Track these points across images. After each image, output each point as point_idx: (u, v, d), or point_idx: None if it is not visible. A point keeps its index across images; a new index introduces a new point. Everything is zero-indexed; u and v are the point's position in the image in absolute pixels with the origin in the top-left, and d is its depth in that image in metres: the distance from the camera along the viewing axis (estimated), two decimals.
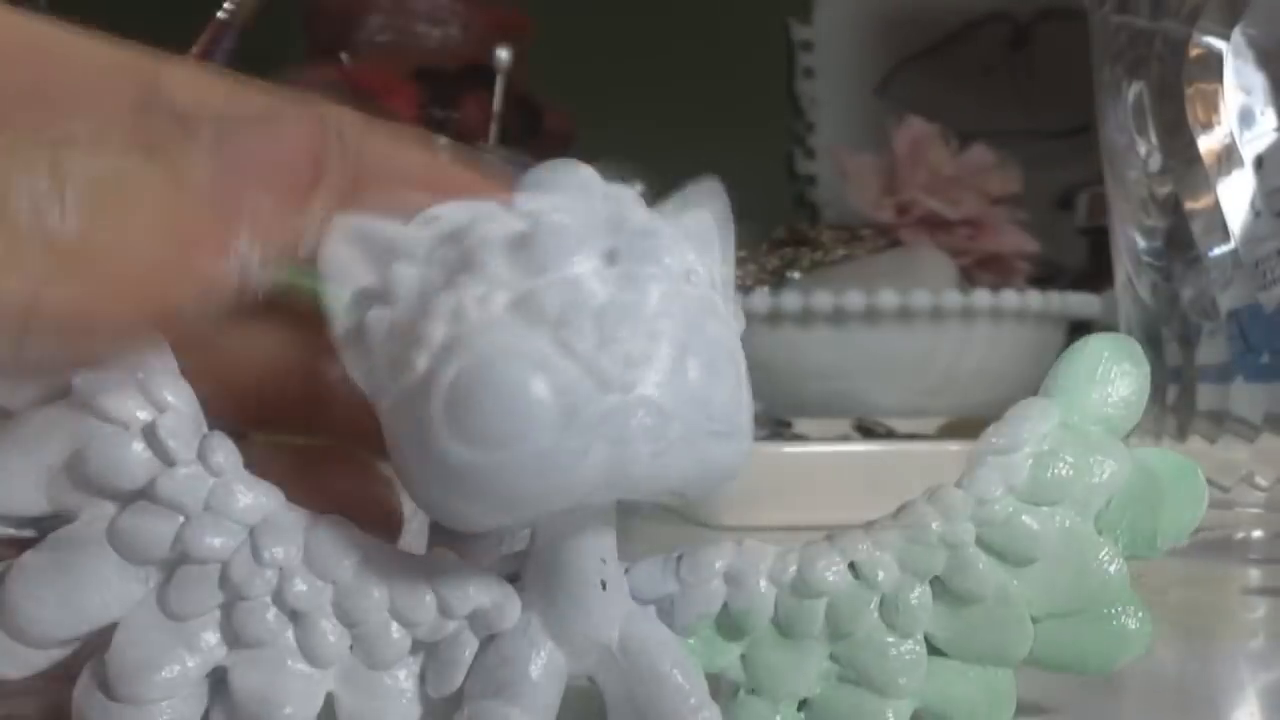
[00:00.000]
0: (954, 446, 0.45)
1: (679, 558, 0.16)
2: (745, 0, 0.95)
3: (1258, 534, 0.35)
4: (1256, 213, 0.34)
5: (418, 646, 0.15)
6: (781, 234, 0.72)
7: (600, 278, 0.14)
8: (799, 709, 0.17)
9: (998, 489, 0.17)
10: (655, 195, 0.16)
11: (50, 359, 0.15)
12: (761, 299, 0.59)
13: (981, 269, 0.73)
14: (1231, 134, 0.34)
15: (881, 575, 0.16)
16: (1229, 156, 0.34)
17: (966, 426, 0.52)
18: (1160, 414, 0.37)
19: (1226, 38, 0.34)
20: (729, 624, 0.16)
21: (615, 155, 0.19)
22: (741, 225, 0.16)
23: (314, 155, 0.16)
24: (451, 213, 0.15)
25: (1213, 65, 0.34)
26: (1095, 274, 0.69)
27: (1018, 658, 0.17)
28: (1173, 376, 0.36)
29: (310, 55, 0.73)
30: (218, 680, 0.15)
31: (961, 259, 0.72)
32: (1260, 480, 0.35)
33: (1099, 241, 0.58)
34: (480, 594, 0.15)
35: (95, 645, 0.15)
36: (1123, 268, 0.38)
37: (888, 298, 0.60)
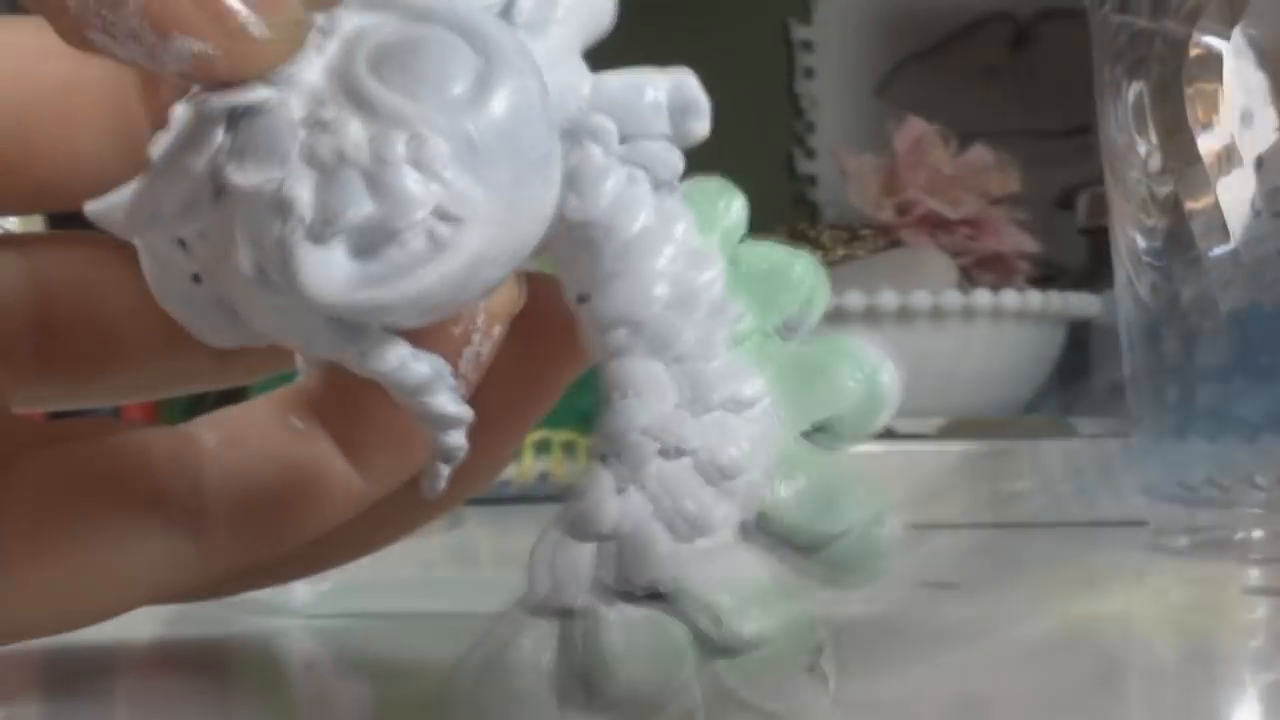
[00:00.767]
0: (954, 446, 0.45)
1: None
2: (745, 0, 0.95)
3: (1258, 534, 0.35)
4: (1256, 213, 0.34)
5: None
6: (781, 234, 0.72)
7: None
8: None
9: None
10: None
11: None
12: None
13: (981, 269, 0.73)
14: (1231, 134, 0.34)
15: None
16: (1229, 156, 0.34)
17: (966, 426, 0.52)
18: (1160, 414, 0.37)
19: (1226, 38, 0.34)
20: None
21: None
22: None
23: None
24: None
25: (1213, 65, 0.34)
26: (1095, 274, 0.69)
27: None
28: (1173, 376, 0.36)
29: None
30: None
31: (961, 259, 0.72)
32: (1260, 480, 0.35)
33: (1099, 241, 0.58)
34: None
35: None
36: (1123, 268, 0.38)
37: (888, 298, 0.60)
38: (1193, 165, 0.35)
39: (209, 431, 0.18)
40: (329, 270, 0.13)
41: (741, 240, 0.16)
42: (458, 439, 0.15)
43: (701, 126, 0.16)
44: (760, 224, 0.16)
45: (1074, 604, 0.30)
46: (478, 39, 0.14)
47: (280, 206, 0.13)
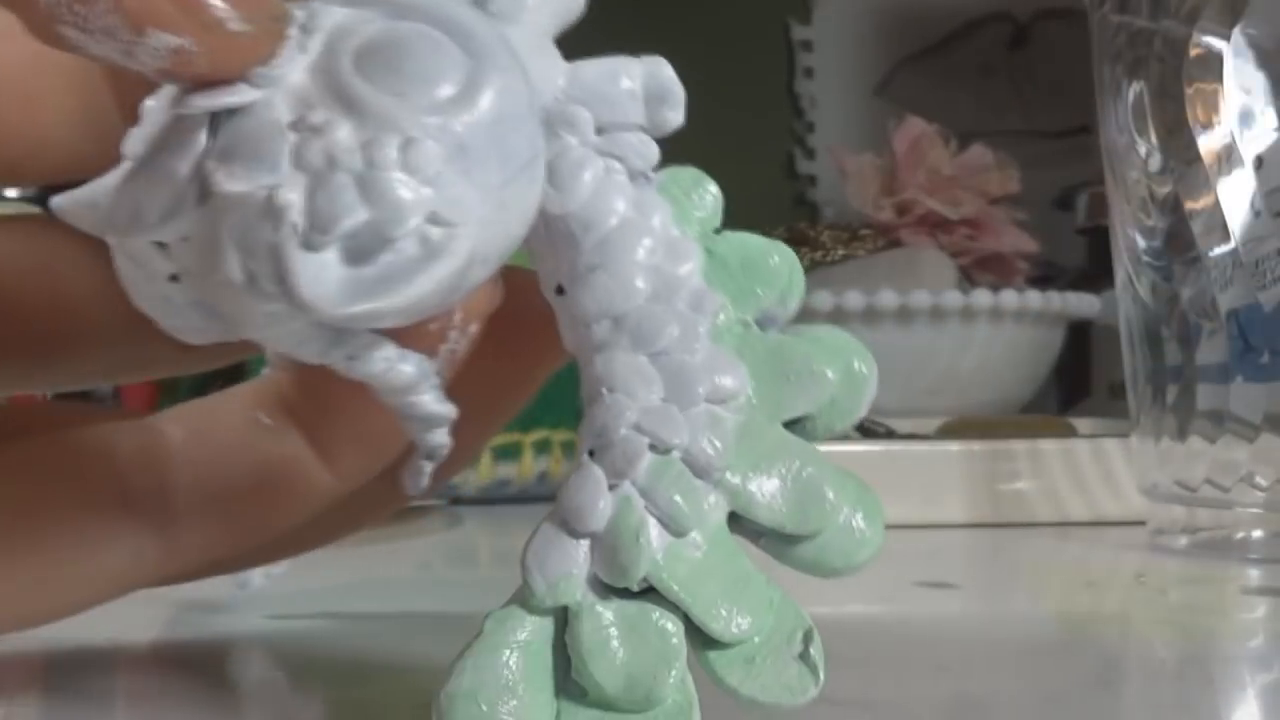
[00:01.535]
0: (954, 446, 0.45)
1: None
2: (745, 0, 0.95)
3: (1258, 534, 0.35)
4: (1256, 213, 0.34)
5: None
6: (782, 234, 0.72)
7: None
8: None
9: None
10: None
11: None
12: None
13: (981, 269, 0.73)
14: (1231, 134, 0.34)
15: None
16: (1229, 156, 0.34)
17: (966, 426, 0.52)
18: (1160, 414, 0.37)
19: (1226, 38, 0.34)
20: None
21: None
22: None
23: None
24: None
25: (1213, 65, 0.34)
26: (1095, 274, 0.69)
27: None
28: (1173, 376, 0.36)
29: None
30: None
31: (961, 259, 0.72)
32: (1260, 480, 0.35)
33: (1099, 241, 0.58)
34: None
35: None
36: (1123, 268, 0.38)
37: (887, 298, 0.60)
38: (1193, 165, 0.35)
39: (177, 426, 0.18)
40: (324, 277, 0.13)
41: (717, 231, 0.16)
42: (441, 437, 0.15)
43: (676, 115, 0.16)
44: (760, 224, 0.16)
45: (1074, 604, 0.30)
46: (463, 36, 0.14)
47: (272, 213, 0.13)
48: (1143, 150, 0.36)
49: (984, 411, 0.61)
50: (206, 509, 0.18)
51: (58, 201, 0.16)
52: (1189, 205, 0.35)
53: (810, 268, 0.68)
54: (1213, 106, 0.34)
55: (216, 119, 0.13)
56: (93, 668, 0.22)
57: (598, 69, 0.15)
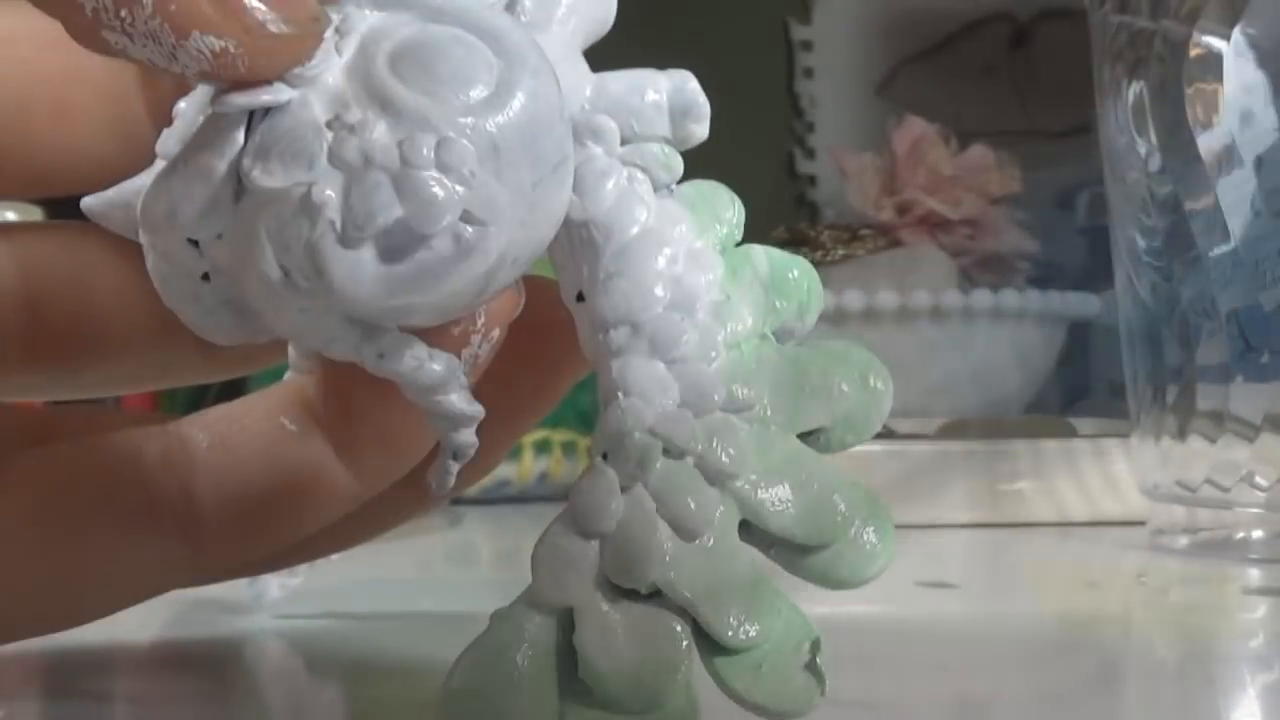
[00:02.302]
0: (954, 446, 0.45)
1: None
2: (745, 0, 0.95)
3: (1258, 534, 0.35)
4: (1256, 213, 0.34)
5: None
6: (781, 234, 0.72)
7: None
8: None
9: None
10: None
11: None
12: None
13: (981, 269, 0.73)
14: (1231, 134, 0.34)
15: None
16: (1229, 156, 0.34)
17: (966, 426, 0.52)
18: (1160, 414, 0.37)
19: (1226, 38, 0.34)
20: None
21: None
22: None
23: None
24: None
25: (1213, 65, 0.34)
26: (1095, 274, 0.69)
27: None
28: (1173, 376, 0.36)
29: None
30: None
31: (961, 259, 0.72)
32: (1260, 480, 0.35)
33: (1099, 241, 0.58)
34: None
35: None
36: (1123, 268, 0.38)
37: (887, 298, 0.60)
38: (1193, 165, 0.35)
39: (201, 431, 0.18)
40: (360, 273, 0.13)
41: (739, 243, 0.16)
42: (469, 436, 0.15)
43: (701, 129, 0.16)
44: (760, 224, 0.16)
45: (1074, 604, 0.30)
46: (494, 39, 0.14)
47: (309, 210, 0.13)
48: (1143, 150, 0.36)
49: (984, 411, 0.61)
50: (231, 514, 0.18)
51: (87, 202, 0.16)
52: (1189, 205, 0.35)
53: None
54: (1213, 106, 0.34)
55: (253, 119, 0.14)
56: (93, 668, 0.22)
57: (624, 81, 0.16)
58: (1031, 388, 0.66)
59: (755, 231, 0.16)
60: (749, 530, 0.15)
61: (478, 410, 0.15)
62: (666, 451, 0.15)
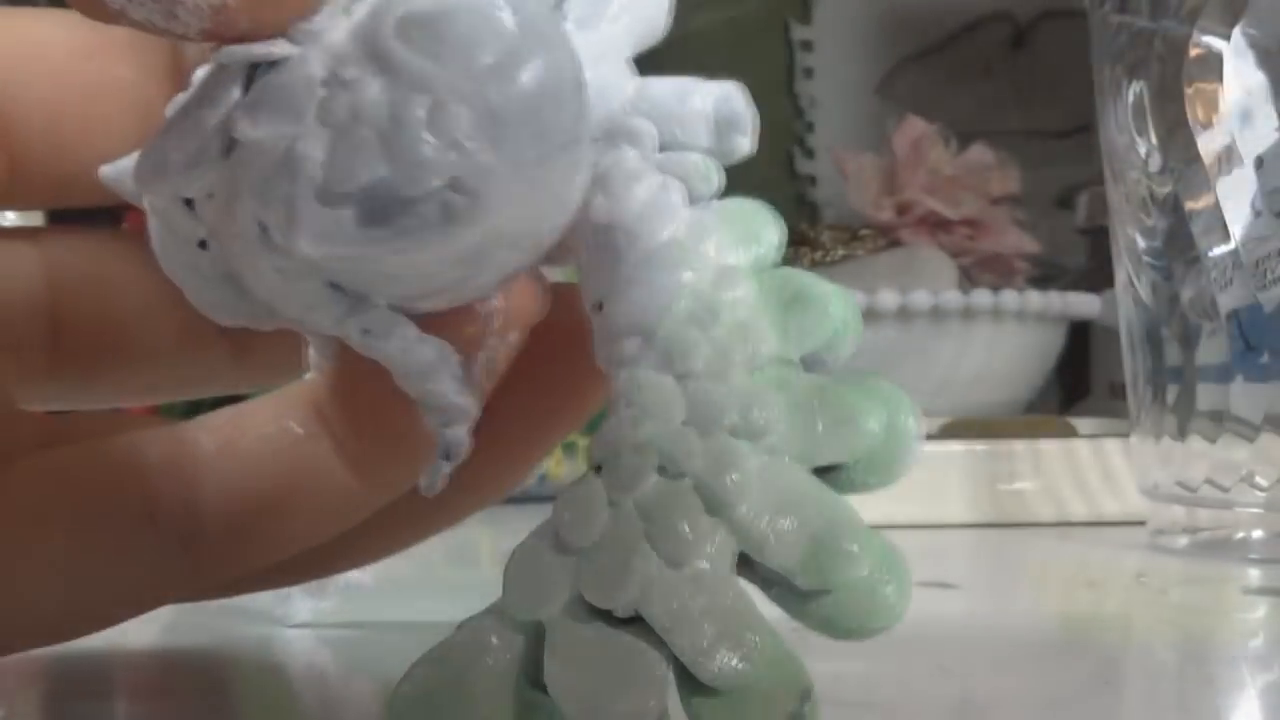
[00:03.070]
0: (955, 446, 0.45)
1: None
2: (745, 0, 0.95)
3: (1258, 534, 0.35)
4: (1256, 213, 0.34)
5: None
6: None
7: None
8: None
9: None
10: None
11: None
12: None
13: (981, 269, 0.73)
14: (1231, 134, 0.34)
15: None
16: (1229, 156, 0.34)
17: (966, 426, 0.52)
18: (1160, 414, 0.37)
19: (1226, 38, 0.34)
20: None
21: None
22: None
23: None
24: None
25: (1213, 65, 0.34)
26: (1095, 274, 0.69)
27: None
28: (1173, 376, 0.36)
29: None
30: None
31: (961, 259, 0.72)
32: (1260, 480, 0.35)
33: (1099, 241, 0.58)
34: None
35: None
36: (1123, 268, 0.38)
37: (888, 298, 0.60)
38: (1193, 165, 0.35)
39: (205, 435, 0.18)
40: (335, 232, 0.13)
41: (775, 265, 0.15)
42: (459, 434, 0.15)
43: (745, 143, 0.15)
44: None
45: (1074, 604, 0.30)
46: (513, 12, 0.13)
47: (290, 163, 0.13)
48: (1143, 150, 0.36)
49: (984, 411, 0.61)
50: (236, 522, 0.17)
51: (105, 169, 0.16)
52: (1189, 205, 0.35)
53: (810, 268, 0.68)
54: (1213, 106, 0.34)
55: (253, 76, 0.13)
56: (93, 668, 0.22)
57: (669, 86, 0.15)
58: (1031, 388, 0.66)
59: None
60: (749, 566, 0.14)
61: (470, 404, 0.15)
62: (663, 469, 0.14)
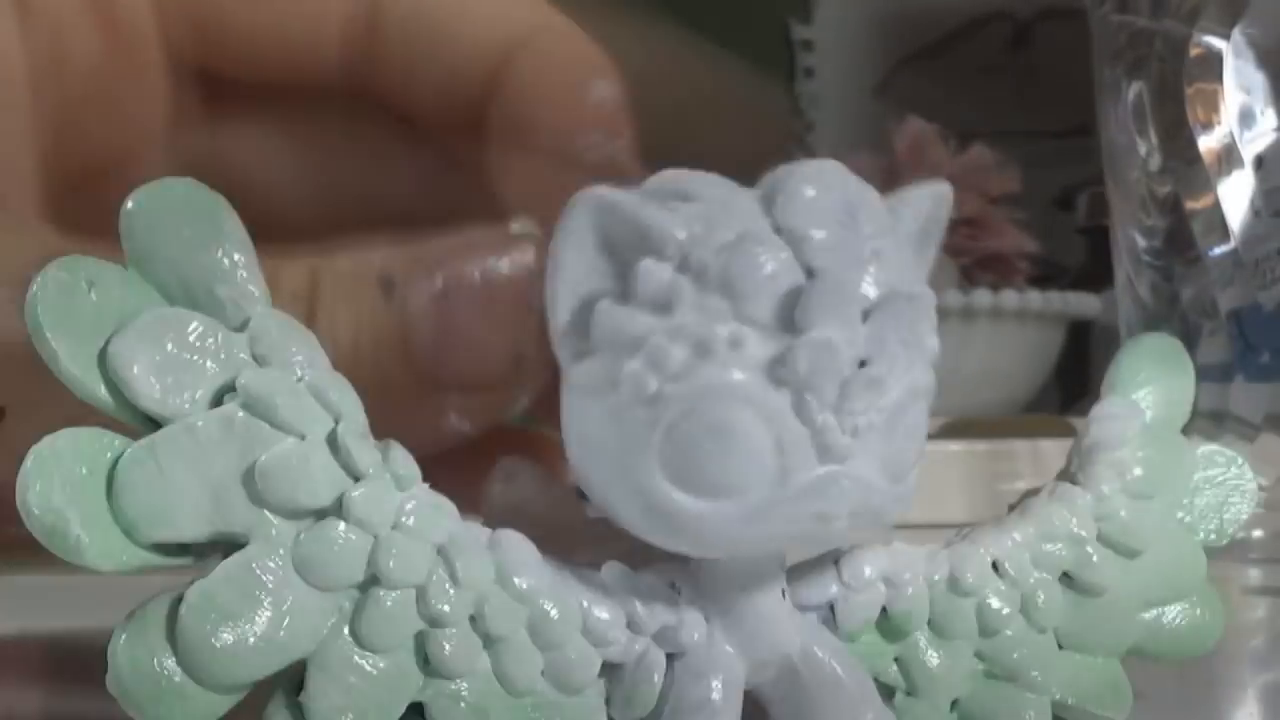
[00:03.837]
0: (954, 446, 0.45)
1: (835, 562, 0.16)
2: (745, 0, 0.95)
3: (1258, 534, 0.35)
4: (1256, 213, 0.34)
5: (606, 668, 0.15)
6: None
7: (852, 342, 0.13)
8: (950, 709, 0.17)
9: (1112, 484, 0.18)
10: None
11: None
12: None
13: (981, 269, 0.73)
14: (1231, 134, 0.34)
15: (1023, 574, 0.17)
16: (1229, 156, 0.34)
17: (966, 426, 0.52)
18: None
19: (1226, 38, 0.34)
20: (888, 627, 0.16)
21: None
22: None
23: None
24: (710, 206, 0.13)
25: (1213, 65, 0.34)
26: (1095, 274, 0.69)
27: (1126, 647, 0.17)
28: None
29: None
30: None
31: (961, 259, 0.72)
32: (1260, 480, 0.35)
33: (1099, 241, 0.58)
34: (665, 610, 0.15)
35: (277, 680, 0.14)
36: (1123, 268, 0.38)
37: None
38: (1193, 165, 0.35)
39: None
40: None
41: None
42: None
43: None
44: None
45: None
46: None
47: None
48: (1143, 150, 0.36)
49: (985, 411, 0.61)
50: None
51: None
52: (1189, 205, 0.35)
53: None
54: (1213, 106, 0.34)
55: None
56: (93, 667, 0.22)
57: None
58: (1031, 388, 0.66)
59: None
60: None
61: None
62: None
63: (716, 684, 0.15)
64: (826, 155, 0.14)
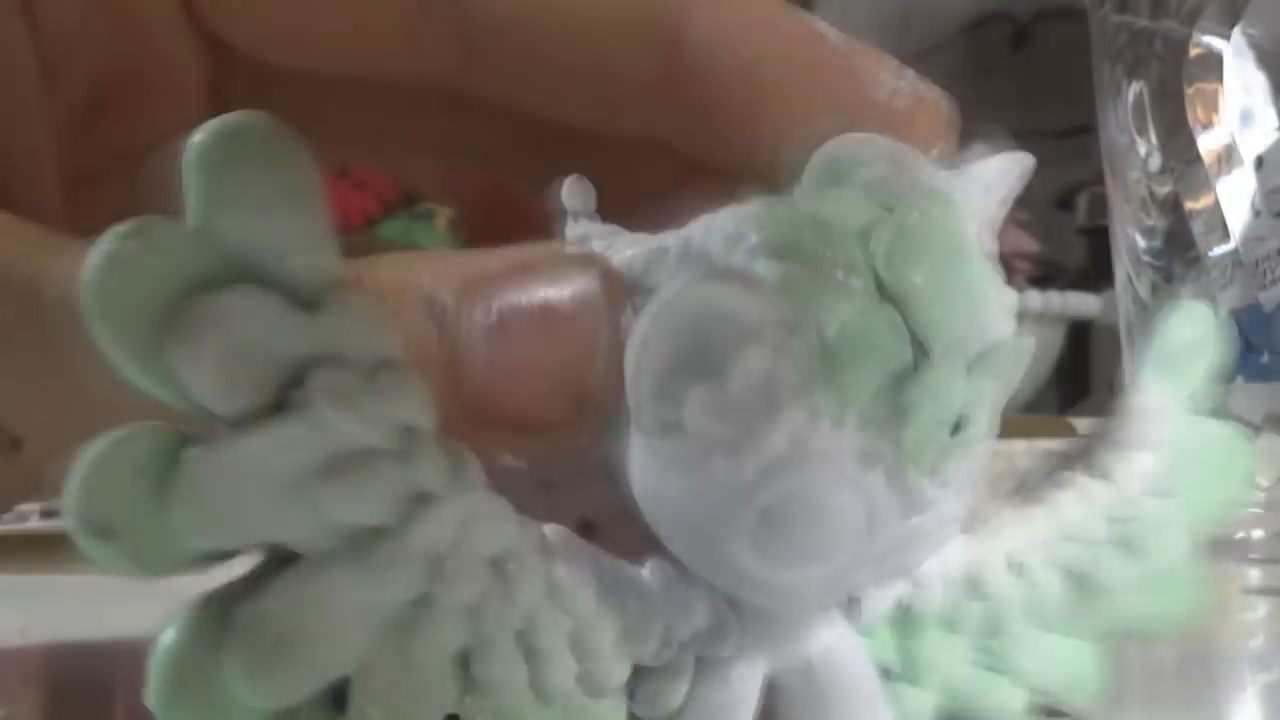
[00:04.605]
0: None
1: None
2: None
3: (1258, 534, 0.35)
4: (1256, 213, 0.34)
5: (636, 671, 0.14)
6: None
7: (952, 407, 0.13)
8: None
9: (1139, 485, 0.17)
10: None
11: None
12: None
13: None
14: (1231, 134, 0.34)
15: (1040, 576, 0.17)
16: (1229, 156, 0.34)
17: None
18: None
19: (1226, 38, 0.34)
20: (902, 620, 0.16)
21: None
22: None
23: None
24: (811, 272, 0.13)
25: (1213, 65, 0.34)
26: (1095, 274, 0.69)
27: (1116, 634, 0.17)
28: None
29: None
30: None
31: None
32: (1260, 480, 0.35)
33: (1099, 241, 0.58)
34: (703, 616, 0.14)
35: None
36: (1123, 268, 0.38)
37: None
38: (1193, 165, 0.35)
39: None
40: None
41: None
42: None
43: None
44: None
45: None
46: None
47: None
48: (1143, 150, 0.36)
49: None
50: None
51: None
52: (1189, 205, 0.35)
53: None
54: (1213, 106, 0.34)
55: None
56: (93, 666, 0.22)
57: None
58: (1031, 388, 0.66)
59: None
60: None
61: None
62: None
63: (742, 689, 0.15)
64: None
